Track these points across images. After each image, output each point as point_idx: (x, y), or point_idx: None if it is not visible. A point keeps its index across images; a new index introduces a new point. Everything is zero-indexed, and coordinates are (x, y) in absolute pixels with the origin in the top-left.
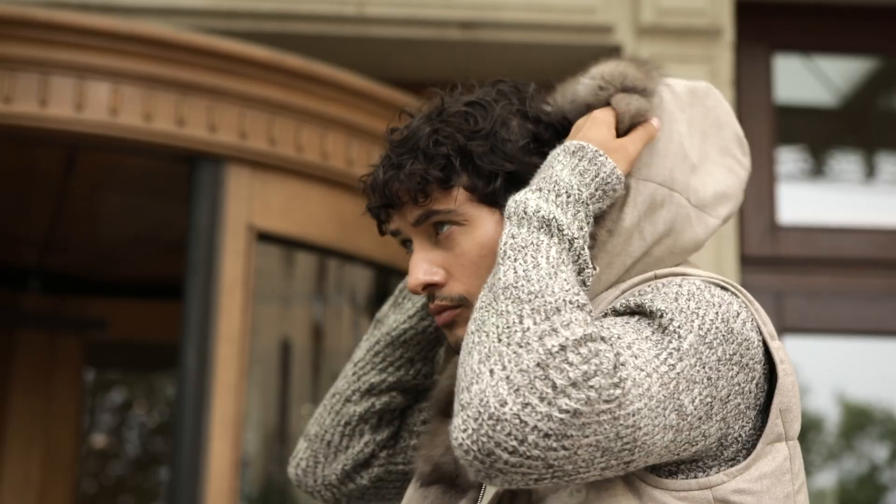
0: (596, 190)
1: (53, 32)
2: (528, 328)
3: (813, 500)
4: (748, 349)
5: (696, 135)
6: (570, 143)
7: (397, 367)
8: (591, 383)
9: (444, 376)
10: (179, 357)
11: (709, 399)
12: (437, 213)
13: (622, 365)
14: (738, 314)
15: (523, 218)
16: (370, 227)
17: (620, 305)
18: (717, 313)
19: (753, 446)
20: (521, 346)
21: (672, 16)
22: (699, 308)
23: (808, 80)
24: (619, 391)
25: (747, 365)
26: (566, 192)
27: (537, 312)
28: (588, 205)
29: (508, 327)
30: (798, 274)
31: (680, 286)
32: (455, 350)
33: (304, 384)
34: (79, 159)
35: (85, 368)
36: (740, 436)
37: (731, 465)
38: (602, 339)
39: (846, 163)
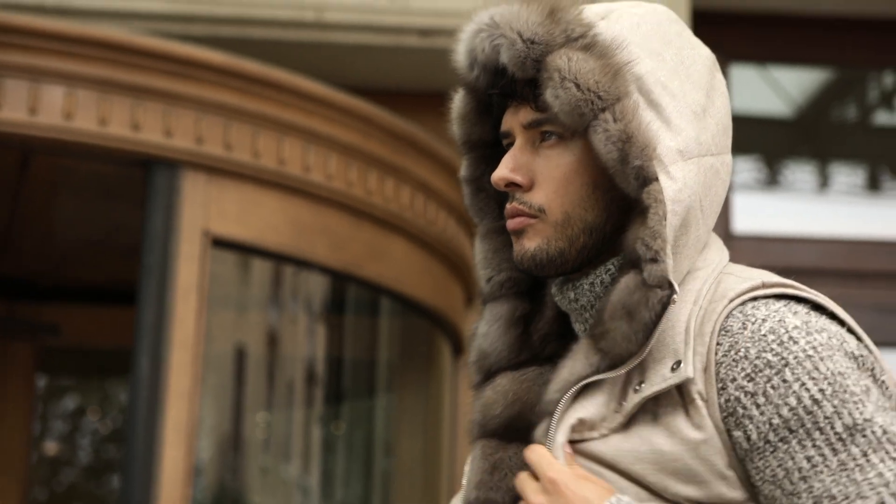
0: None
1: (7, 35)
2: None
3: None
4: (867, 358)
5: (676, 72)
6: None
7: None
8: None
9: (495, 394)
10: (132, 363)
11: None
12: (551, 122)
13: None
14: (840, 335)
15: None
16: (326, 234)
17: (788, 410)
18: (841, 354)
19: None
20: None
21: None
22: (835, 364)
23: (763, 90)
24: None
25: (877, 373)
26: None
27: None
28: None
29: None
30: None
31: (795, 340)
32: (517, 264)
33: (258, 391)
34: (33, 163)
35: (37, 374)
36: None
37: None
38: None
39: (800, 173)
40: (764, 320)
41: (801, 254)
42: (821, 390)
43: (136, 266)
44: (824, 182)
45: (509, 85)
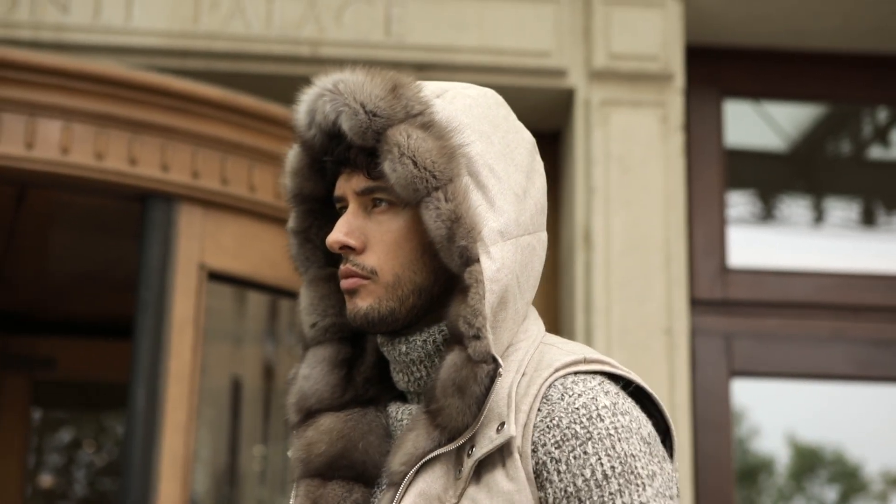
0: None
1: (4, 69)
2: None
3: None
4: (657, 443)
5: (503, 155)
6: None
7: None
8: None
9: (319, 433)
10: (129, 396)
11: None
12: (383, 190)
13: None
14: (639, 420)
15: None
16: None
17: (585, 479)
18: (637, 438)
19: None
20: None
21: (624, 60)
22: (630, 446)
23: (757, 125)
24: None
25: (666, 457)
26: None
27: None
28: None
29: None
30: (747, 317)
31: (602, 418)
32: (350, 321)
33: (255, 424)
34: (29, 196)
35: (32, 407)
36: None
37: None
38: None
39: (795, 207)
40: (579, 395)
41: (796, 288)
42: (612, 467)
43: (132, 300)
44: (819, 216)
45: (344, 152)
